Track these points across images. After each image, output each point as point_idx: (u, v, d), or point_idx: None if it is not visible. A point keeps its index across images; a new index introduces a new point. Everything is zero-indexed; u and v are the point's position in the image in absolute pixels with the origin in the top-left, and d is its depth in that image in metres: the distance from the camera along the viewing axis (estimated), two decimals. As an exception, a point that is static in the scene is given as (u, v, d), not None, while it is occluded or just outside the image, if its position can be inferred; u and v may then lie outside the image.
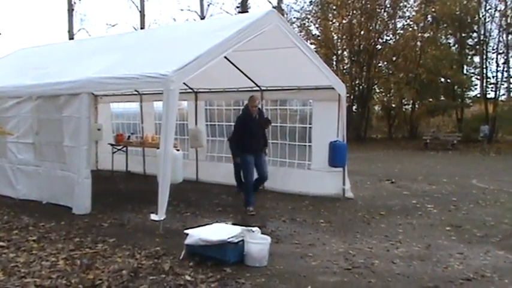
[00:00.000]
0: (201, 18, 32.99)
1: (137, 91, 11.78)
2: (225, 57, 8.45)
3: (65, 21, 35.03)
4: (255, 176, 8.22)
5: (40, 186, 8.44)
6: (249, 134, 8.07)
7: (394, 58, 28.95)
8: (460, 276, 4.95)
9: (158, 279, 4.66)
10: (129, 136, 12.32)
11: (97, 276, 4.70)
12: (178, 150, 9.27)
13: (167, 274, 4.79)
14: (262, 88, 10.20)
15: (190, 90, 11.09)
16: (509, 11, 26.74)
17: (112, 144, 12.30)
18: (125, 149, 12.24)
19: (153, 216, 6.44)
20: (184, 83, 8.46)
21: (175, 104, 6.58)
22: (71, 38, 31.04)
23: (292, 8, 34.55)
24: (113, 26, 39.62)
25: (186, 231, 5.49)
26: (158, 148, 7.18)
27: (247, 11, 30.91)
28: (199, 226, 5.83)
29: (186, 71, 6.59)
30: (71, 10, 31.75)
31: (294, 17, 31.10)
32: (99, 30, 54.66)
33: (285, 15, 29.99)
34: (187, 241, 5.34)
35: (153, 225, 6.51)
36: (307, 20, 30.63)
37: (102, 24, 63.06)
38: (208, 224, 5.99)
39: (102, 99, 13.12)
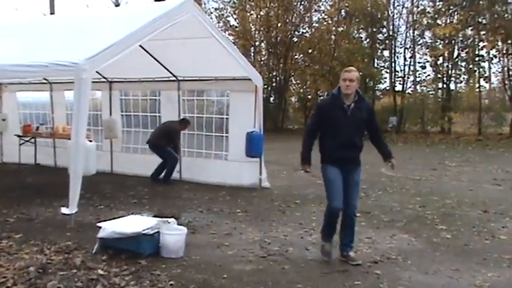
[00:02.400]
0: (116, 6, 31.93)
1: (47, 80, 11.25)
2: (141, 46, 8.26)
3: (-35, 3, 32.53)
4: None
5: None
6: (333, 133, 5.01)
7: (310, 50, 29.66)
8: (368, 259, 5.21)
9: (69, 274, 4.50)
10: (38, 127, 11.73)
11: (1, 274, 4.45)
12: (91, 141, 9.01)
13: (78, 269, 4.64)
14: (179, 78, 10.09)
15: (104, 80, 10.76)
16: (415, 9, 28.26)
17: (19, 136, 11.65)
18: (33, 140, 11.66)
19: (64, 210, 6.22)
20: (97, 72, 8.18)
21: (87, 94, 6.36)
22: (-28, 21, 28.90)
23: (211, -3, 34.30)
24: (19, 10, 37.45)
25: (99, 224, 5.35)
26: (69, 139, 6.92)
27: None
28: (113, 219, 5.70)
29: (99, 60, 6.38)
30: (-29, -8, 29.52)
31: (212, 7, 30.99)
32: (3, 14, 51.41)
33: (203, 5, 29.77)
34: (101, 234, 5.20)
35: (64, 219, 6.27)
36: (225, 10, 30.64)
37: (7, 8, 59.23)
38: (123, 217, 5.87)
39: (7, 88, 12.39)
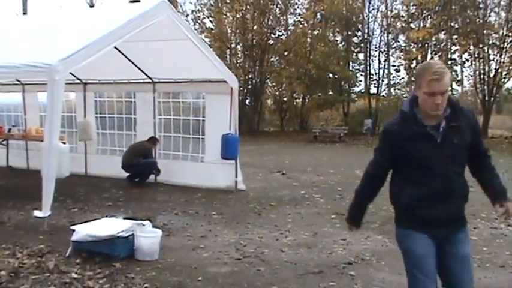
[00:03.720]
0: (90, 6, 31.57)
1: (19, 81, 11.07)
2: (116, 47, 8.20)
3: None
4: None
5: None
6: (416, 176, 2.91)
7: (285, 53, 29.80)
8: (342, 260, 5.28)
9: (41, 278, 4.45)
10: (10, 129, 11.51)
11: (-28, 278, 4.38)
12: (64, 143, 8.90)
13: (51, 272, 4.59)
14: (155, 80, 10.05)
15: (78, 81, 10.64)
16: (389, 13, 28.68)
17: (-9, 138, 11.45)
18: (5, 142, 11.45)
19: (36, 213, 6.13)
20: (71, 74, 8.11)
21: (60, 95, 6.30)
22: None
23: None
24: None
25: (72, 227, 5.30)
26: (43, 141, 6.83)
27: (138, 1, 30.10)
28: (87, 221, 5.65)
29: (73, 61, 6.32)
30: None
31: (189, 9, 30.92)
32: (-25, 13, 50.30)
33: (179, 7, 29.65)
34: (74, 237, 5.15)
35: (37, 223, 6.18)
36: (201, 12, 30.59)
37: (-21, 7, 57.97)
38: (97, 219, 5.82)
39: (-22, 89, 12.14)
